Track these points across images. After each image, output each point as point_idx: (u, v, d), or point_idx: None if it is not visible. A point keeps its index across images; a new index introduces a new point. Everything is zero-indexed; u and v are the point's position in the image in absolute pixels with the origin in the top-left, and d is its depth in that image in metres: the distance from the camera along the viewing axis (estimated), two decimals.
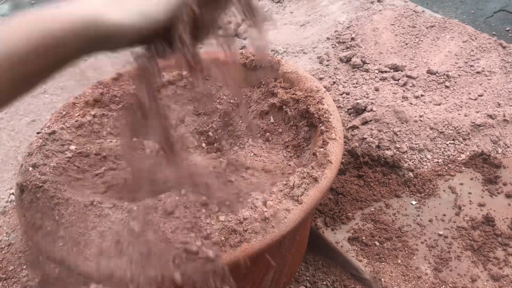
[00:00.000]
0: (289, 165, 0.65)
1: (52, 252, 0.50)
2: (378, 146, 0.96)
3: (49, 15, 0.34)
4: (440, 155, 0.94)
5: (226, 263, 0.45)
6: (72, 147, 0.66)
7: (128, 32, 0.37)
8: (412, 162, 0.94)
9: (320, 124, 0.62)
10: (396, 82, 1.14)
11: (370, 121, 1.01)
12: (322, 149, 0.57)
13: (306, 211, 0.50)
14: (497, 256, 0.77)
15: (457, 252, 0.79)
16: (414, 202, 0.88)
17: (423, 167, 0.93)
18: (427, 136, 0.96)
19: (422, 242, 0.81)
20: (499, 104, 1.02)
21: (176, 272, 0.44)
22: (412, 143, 0.95)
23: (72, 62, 0.36)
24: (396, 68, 1.18)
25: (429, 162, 0.94)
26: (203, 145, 0.79)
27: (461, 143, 0.95)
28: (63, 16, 0.34)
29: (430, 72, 1.14)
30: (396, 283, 0.75)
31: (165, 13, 0.38)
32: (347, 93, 1.13)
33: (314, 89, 0.68)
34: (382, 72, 1.18)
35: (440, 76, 1.13)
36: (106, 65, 1.36)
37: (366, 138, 0.98)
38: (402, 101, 1.05)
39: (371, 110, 1.03)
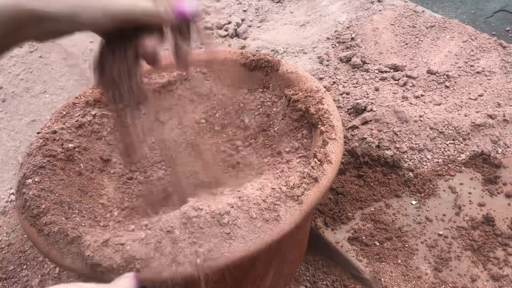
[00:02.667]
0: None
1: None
2: (378, 146, 0.96)
3: None
4: (440, 155, 0.94)
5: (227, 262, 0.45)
6: (72, 146, 0.66)
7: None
8: (412, 162, 0.94)
9: (320, 124, 0.62)
10: (396, 82, 1.13)
11: (370, 121, 1.01)
12: (322, 149, 0.57)
13: (306, 211, 0.50)
14: (497, 256, 0.77)
15: (457, 252, 0.79)
16: (414, 202, 0.88)
17: (423, 167, 0.93)
18: (427, 136, 0.96)
19: (422, 242, 0.81)
20: (499, 104, 1.02)
21: None
22: (412, 143, 0.95)
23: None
24: (396, 68, 1.18)
25: (429, 162, 0.94)
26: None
27: (461, 143, 0.95)
28: None
29: (430, 72, 1.14)
30: (396, 283, 0.75)
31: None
32: (347, 93, 1.13)
33: (314, 89, 0.68)
34: (382, 72, 1.18)
35: (440, 76, 1.13)
36: None
37: (366, 138, 0.98)
38: (402, 101, 1.05)
39: (371, 110, 1.03)
